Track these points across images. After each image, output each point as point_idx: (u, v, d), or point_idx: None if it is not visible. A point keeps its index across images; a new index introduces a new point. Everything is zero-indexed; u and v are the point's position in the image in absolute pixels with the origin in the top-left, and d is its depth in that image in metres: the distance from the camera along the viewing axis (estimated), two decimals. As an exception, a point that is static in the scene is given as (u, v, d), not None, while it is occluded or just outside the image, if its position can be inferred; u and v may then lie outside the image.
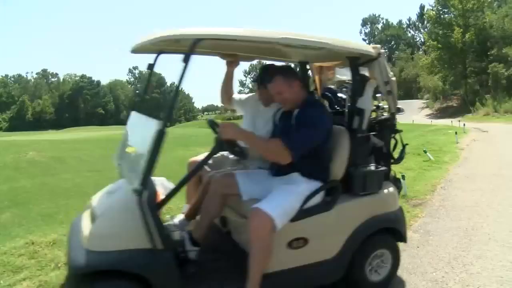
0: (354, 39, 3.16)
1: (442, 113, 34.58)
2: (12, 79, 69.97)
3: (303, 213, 2.53)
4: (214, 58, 3.29)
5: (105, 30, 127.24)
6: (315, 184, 2.61)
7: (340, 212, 2.68)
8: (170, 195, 2.40)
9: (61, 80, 74.28)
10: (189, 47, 2.18)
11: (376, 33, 72.87)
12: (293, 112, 2.65)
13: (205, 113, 79.64)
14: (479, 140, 13.56)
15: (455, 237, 4.29)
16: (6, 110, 61.11)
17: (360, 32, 75.82)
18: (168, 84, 73.75)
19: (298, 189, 2.55)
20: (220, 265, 2.62)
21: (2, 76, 67.09)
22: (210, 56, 3.30)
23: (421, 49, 61.56)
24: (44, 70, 75.61)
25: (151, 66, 2.87)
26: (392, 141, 3.33)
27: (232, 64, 3.37)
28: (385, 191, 2.96)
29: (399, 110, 3.20)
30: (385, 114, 3.28)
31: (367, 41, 73.40)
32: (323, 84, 3.76)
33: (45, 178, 8.32)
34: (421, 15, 62.93)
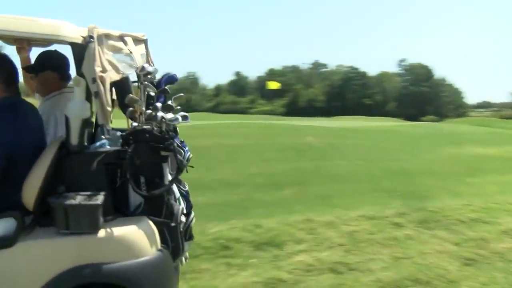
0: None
1: None
2: (288, 69, 77.00)
3: None
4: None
5: (358, 17, 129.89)
6: None
7: (26, 252, 2.00)
8: None
9: (331, 70, 77.49)
10: None
11: None
12: None
13: (479, 110, 71.61)
14: None
15: None
16: (283, 97, 66.17)
17: None
18: (435, 76, 69.34)
19: None
20: None
21: (281, 66, 76.08)
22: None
23: None
24: (316, 61, 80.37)
25: None
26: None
27: (22, 50, 2.82)
28: (114, 230, 2.08)
29: (152, 117, 2.39)
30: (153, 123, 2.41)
31: None
32: None
33: (321, 162, 9.13)
34: None
